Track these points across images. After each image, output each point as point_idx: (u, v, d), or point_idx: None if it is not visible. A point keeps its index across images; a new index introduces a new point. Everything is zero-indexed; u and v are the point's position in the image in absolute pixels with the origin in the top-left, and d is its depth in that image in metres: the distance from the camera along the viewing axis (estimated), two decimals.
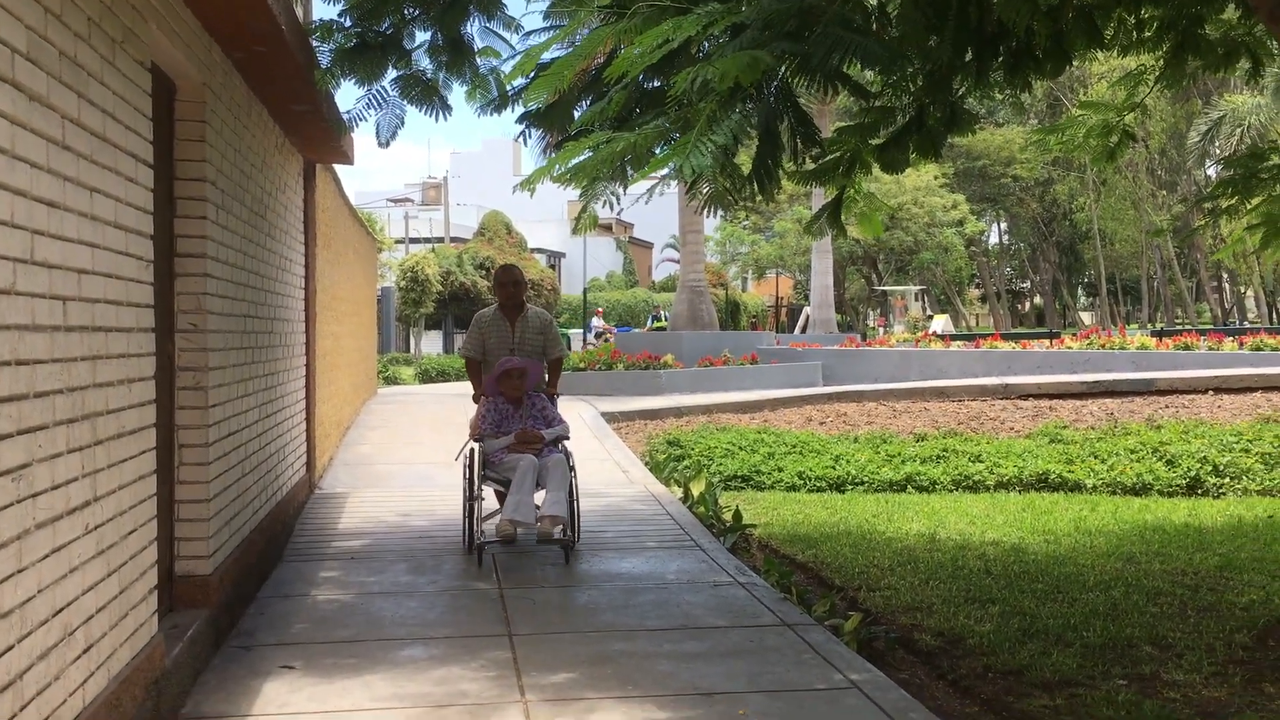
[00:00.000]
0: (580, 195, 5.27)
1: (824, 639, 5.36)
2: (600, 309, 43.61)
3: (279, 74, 6.07)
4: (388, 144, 6.14)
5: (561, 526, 6.87)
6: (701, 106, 3.56)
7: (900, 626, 6.06)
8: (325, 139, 8.17)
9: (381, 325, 28.48)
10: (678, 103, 3.76)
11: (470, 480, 7.24)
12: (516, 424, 7.38)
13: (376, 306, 20.91)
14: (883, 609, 6.40)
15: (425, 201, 64.50)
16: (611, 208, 4.44)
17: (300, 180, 8.80)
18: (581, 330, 38.06)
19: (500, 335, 7.75)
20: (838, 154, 6.85)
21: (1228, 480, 10.67)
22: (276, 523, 7.20)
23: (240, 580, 5.83)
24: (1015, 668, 5.37)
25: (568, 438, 7.53)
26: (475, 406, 7.79)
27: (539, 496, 7.07)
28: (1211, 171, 41.10)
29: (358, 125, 6.29)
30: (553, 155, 4.08)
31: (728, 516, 8.65)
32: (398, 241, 43.46)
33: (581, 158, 3.85)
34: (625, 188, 5.59)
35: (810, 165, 7.12)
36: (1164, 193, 45.87)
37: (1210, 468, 10.82)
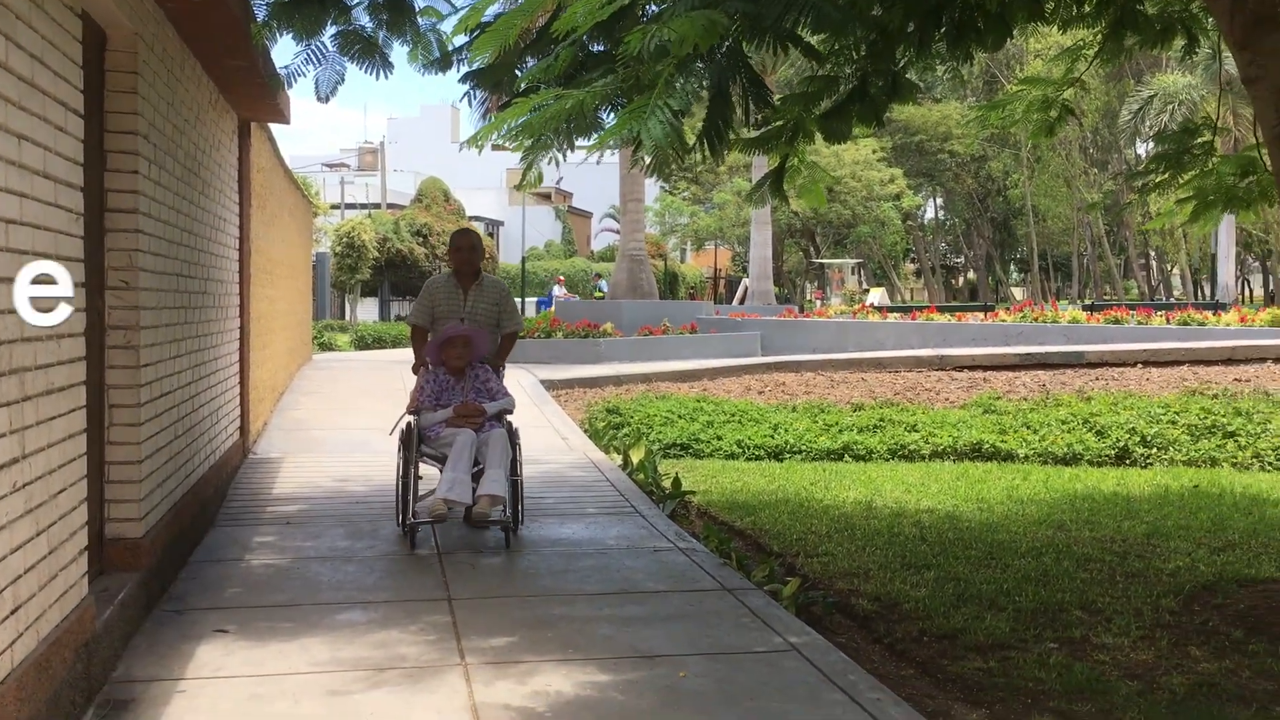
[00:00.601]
0: (523, 158, 5.21)
1: (763, 603, 5.39)
2: (562, 277, 43.33)
3: (214, 26, 5.91)
4: (327, 99, 6.01)
5: (501, 507, 6.48)
6: (659, 69, 3.51)
7: (838, 592, 6.11)
8: (261, 96, 7.98)
9: (317, 291, 28.06)
10: (626, 62, 3.71)
11: (405, 456, 6.80)
12: (457, 396, 6.89)
13: (312, 272, 20.61)
14: (820, 575, 6.46)
15: (361, 167, 63.61)
16: (557, 165, 4.38)
17: (234, 139, 8.60)
18: (539, 300, 37.85)
19: (451, 303, 7.23)
20: (781, 122, 6.85)
21: (1155, 451, 10.91)
22: (209, 487, 7.07)
23: (172, 544, 5.72)
24: (950, 631, 5.45)
25: (511, 412, 7.07)
26: (415, 378, 7.31)
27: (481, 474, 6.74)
28: (1142, 150, 41.85)
29: (295, 81, 6.14)
30: (496, 115, 4.01)
31: (667, 484, 8.67)
32: (333, 207, 42.84)
33: (528, 116, 3.79)
34: (571, 149, 5.54)
35: (754, 133, 7.13)
36: (1095, 170, 46.63)
37: (1138, 438, 11.05)
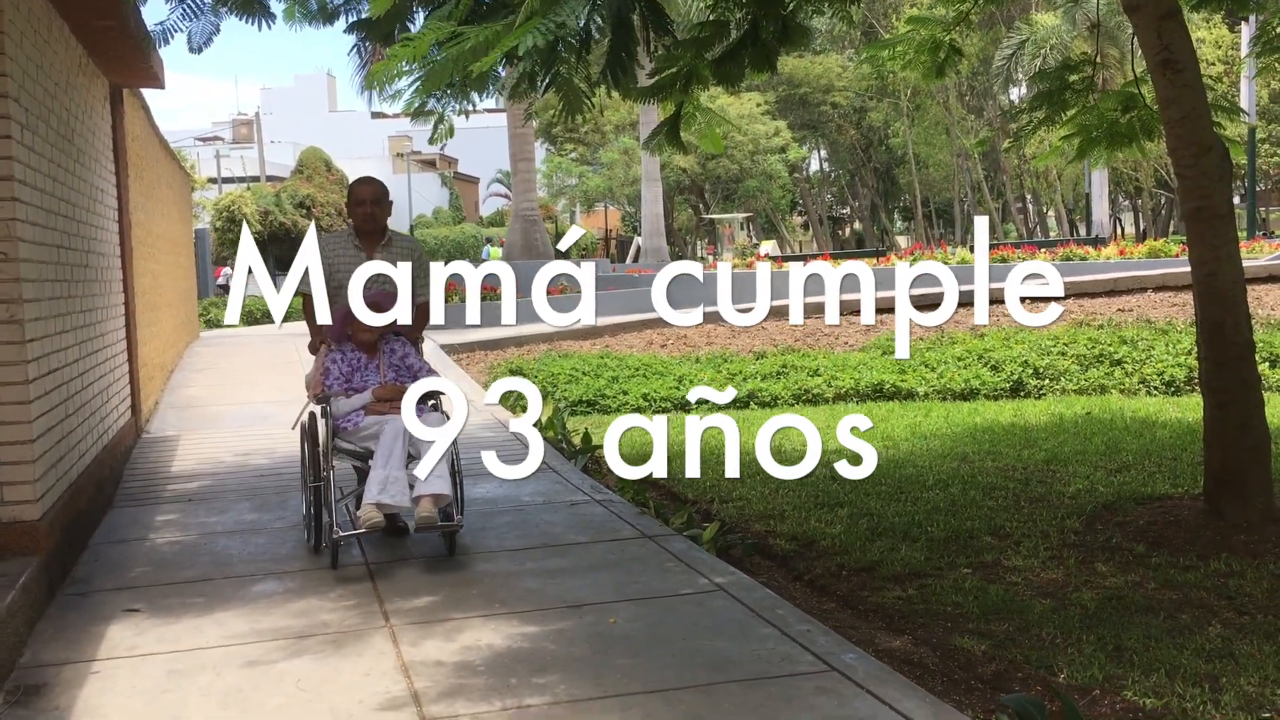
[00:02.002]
0: (414, 111, 5.08)
1: (685, 548, 5.41)
2: (502, 240, 42.47)
3: None
4: (200, 50, 5.75)
5: (447, 505, 5.32)
6: None
7: (755, 534, 6.17)
8: (133, 59, 7.64)
9: (199, 268, 27.25)
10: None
11: (313, 455, 5.57)
12: (373, 378, 5.67)
13: (194, 247, 19.97)
14: (737, 518, 6.50)
15: (236, 140, 61.84)
16: (470, 109, 4.28)
17: (106, 105, 8.24)
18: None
19: (353, 267, 6.06)
20: (675, 69, 6.80)
21: (1047, 382, 11.23)
22: (104, 467, 6.81)
23: (70, 527, 5.49)
24: (867, 565, 5.54)
25: (443, 391, 5.61)
26: (311, 358, 6.03)
27: (413, 468, 5.53)
28: (1015, 95, 42.80)
29: (171, 39, 5.86)
30: (395, 49, 3.86)
31: (577, 440, 8.63)
32: (210, 181, 41.56)
33: (432, 55, 3.66)
34: (469, 103, 5.42)
35: (649, 81, 7.08)
36: (973, 117, 47.55)
37: (1031, 371, 11.37)
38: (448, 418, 5.32)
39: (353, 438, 5.53)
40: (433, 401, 5.67)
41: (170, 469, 7.85)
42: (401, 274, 5.44)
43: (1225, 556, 5.31)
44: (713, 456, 8.29)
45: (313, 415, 5.71)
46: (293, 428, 6.02)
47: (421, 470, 5.02)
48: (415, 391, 5.14)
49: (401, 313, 5.11)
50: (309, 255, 5.43)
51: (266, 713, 3.60)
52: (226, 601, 4.78)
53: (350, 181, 6.25)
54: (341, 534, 5.24)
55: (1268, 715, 3.63)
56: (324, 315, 5.28)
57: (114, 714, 3.62)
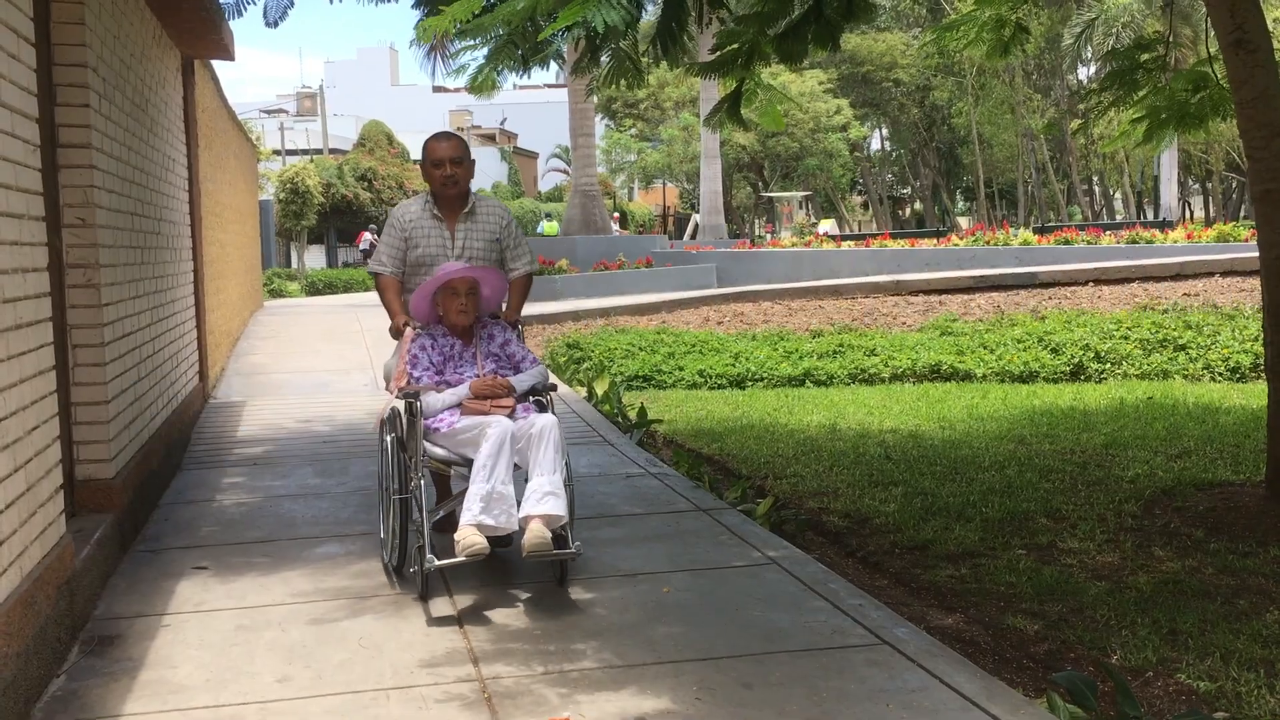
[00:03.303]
0: (472, 76, 5.14)
1: (739, 521, 5.46)
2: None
3: None
4: (276, 24, 5.87)
5: (561, 526, 4.39)
6: None
7: (808, 510, 6.20)
8: (204, 31, 7.79)
9: (263, 239, 27.74)
10: None
11: (395, 462, 4.71)
12: (468, 368, 4.80)
13: (259, 217, 20.29)
14: (790, 494, 6.53)
15: (300, 113, 62.46)
16: (522, 72, 4.36)
17: (179, 76, 8.40)
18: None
19: (433, 241, 5.09)
20: (736, 45, 6.80)
21: (1109, 365, 11.10)
22: (173, 430, 7.00)
23: (142, 486, 5.66)
24: (920, 543, 5.55)
25: (553, 387, 4.93)
26: (391, 343, 5.22)
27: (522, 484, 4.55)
28: (1084, 75, 42.06)
29: (245, 10, 6.00)
30: (447, 9, 3.91)
31: (632, 415, 8.70)
32: (274, 153, 42.07)
33: (484, 14, 3.71)
34: (525, 69, 5.47)
35: (710, 57, 7.08)
36: (1039, 97, 46.81)
37: (1092, 354, 11.23)
38: (552, 416, 4.62)
39: (446, 441, 4.59)
40: (538, 399, 4.84)
41: (236, 434, 8.04)
42: (488, 245, 5.10)
43: None
44: (768, 434, 8.35)
45: (395, 413, 4.80)
46: (374, 430, 5.21)
47: (534, 485, 4.35)
48: (520, 386, 4.75)
49: (496, 286, 4.87)
50: (389, 230, 5.16)
51: (330, 668, 3.71)
52: (291, 561, 4.91)
53: (425, 140, 5.18)
54: (437, 562, 4.28)
55: None
56: (395, 296, 4.98)
57: (184, 664, 3.76)
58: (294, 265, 33.31)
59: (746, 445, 7.88)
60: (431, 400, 4.65)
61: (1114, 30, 30.74)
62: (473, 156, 5.24)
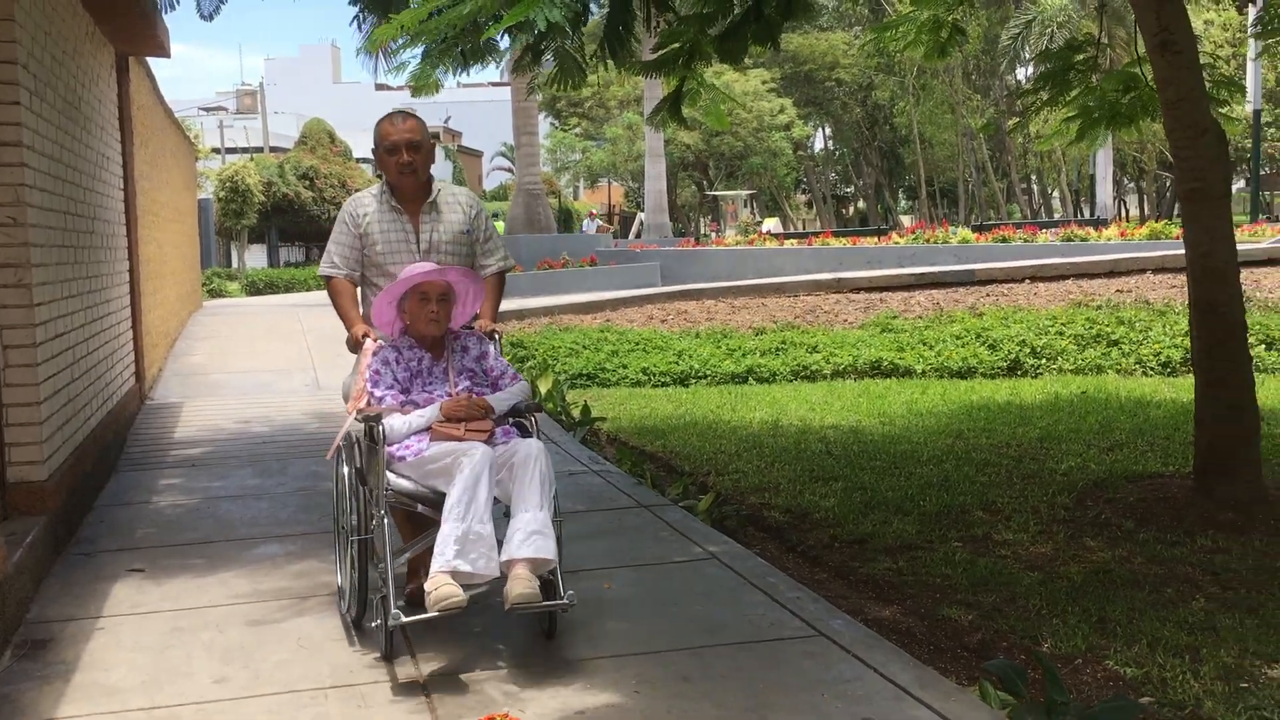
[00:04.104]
0: (413, 75, 5.13)
1: (680, 517, 5.50)
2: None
3: None
4: (210, 17, 5.81)
5: (550, 571, 3.78)
6: None
7: (750, 505, 6.25)
8: (139, 27, 7.69)
9: (202, 238, 27.37)
10: None
11: (353, 497, 4.08)
12: (439, 387, 4.12)
13: (197, 216, 20.02)
14: (732, 490, 6.58)
15: (240, 110, 61.72)
16: (462, 70, 4.33)
17: (113, 74, 8.28)
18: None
19: (395, 237, 4.43)
20: (677, 44, 6.84)
21: (1044, 361, 11.30)
22: (108, 431, 6.90)
23: (76, 489, 5.58)
24: (859, 537, 5.62)
25: (537, 406, 4.32)
26: (340, 347, 4.62)
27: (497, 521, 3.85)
28: (1023, 75, 42.65)
29: (178, 4, 5.92)
30: (393, 17, 3.92)
31: (576, 412, 8.71)
32: (214, 151, 41.51)
33: (427, 19, 3.73)
34: (465, 68, 5.46)
35: (652, 56, 7.11)
36: (979, 97, 47.43)
37: (1029, 350, 11.43)
38: (542, 443, 4.00)
39: (413, 472, 3.91)
40: (519, 420, 4.17)
41: (173, 435, 7.95)
42: (456, 240, 4.40)
43: (1212, 533, 5.39)
44: (711, 431, 8.40)
45: (353, 439, 4.13)
46: (328, 456, 4.34)
47: (519, 524, 3.72)
48: (499, 406, 4.05)
49: (471, 289, 4.16)
50: (340, 226, 4.46)
51: (268, 667, 3.69)
52: (229, 563, 4.88)
53: (378, 121, 4.46)
54: (404, 618, 3.64)
55: (1245, 685, 3.72)
56: (351, 302, 4.34)
57: (118, 667, 3.72)
58: (234, 265, 32.89)
59: (689, 442, 7.92)
60: (396, 424, 3.93)
61: (1049, 31, 31.24)
62: (432, 139, 4.52)
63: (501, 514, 3.85)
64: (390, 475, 3.89)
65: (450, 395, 4.08)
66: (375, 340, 4.20)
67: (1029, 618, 4.41)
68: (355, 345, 4.30)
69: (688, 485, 6.49)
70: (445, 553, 3.63)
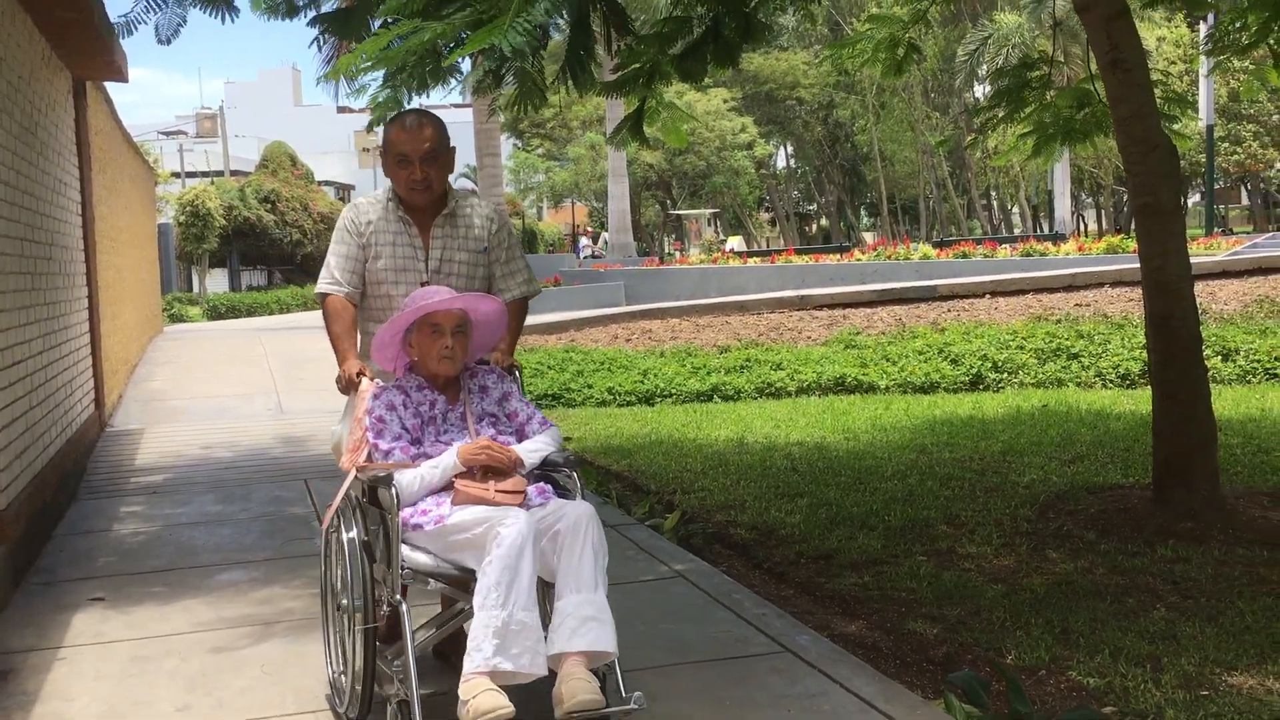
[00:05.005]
0: (372, 101, 5.13)
1: (646, 536, 5.50)
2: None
3: None
4: (168, 41, 5.75)
5: (607, 665, 3.18)
6: None
7: (716, 523, 6.26)
8: (96, 52, 7.64)
9: (162, 263, 27.15)
10: None
11: (361, 576, 3.29)
12: (456, 436, 3.43)
13: (157, 241, 19.87)
14: (698, 508, 6.60)
15: (200, 134, 61.28)
16: (423, 94, 4.31)
17: (70, 98, 8.23)
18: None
19: (402, 251, 3.79)
20: (638, 65, 6.89)
21: (1006, 375, 11.41)
22: (68, 460, 6.82)
23: (35, 518, 5.52)
24: (825, 552, 5.64)
25: (577, 460, 3.58)
26: (351, 398, 3.59)
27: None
28: (980, 92, 43.18)
29: (136, 29, 5.88)
30: (357, 46, 3.94)
31: None
32: (174, 175, 41.22)
33: (388, 47, 3.74)
34: (427, 91, 5.47)
35: (613, 76, 7.16)
36: (937, 115, 47.95)
37: (990, 364, 11.54)
38: (587, 504, 3.31)
39: (433, 544, 3.22)
40: (549, 473, 3.49)
41: (134, 462, 7.87)
42: (473, 258, 3.77)
43: (1172, 543, 5.45)
44: (676, 449, 8.42)
45: (354, 503, 3.41)
46: (324, 526, 3.61)
47: (569, 607, 3.08)
48: (529, 458, 3.37)
49: (492, 316, 3.50)
50: (341, 236, 3.79)
51: (231, 695, 3.66)
52: (192, 590, 4.83)
53: (388, 124, 3.82)
54: None
55: (1205, 693, 3.76)
56: (347, 329, 3.63)
57: (80, 697, 3.68)
58: (196, 289, 32.63)
59: (655, 461, 7.93)
60: (406, 480, 3.23)
61: (1004, 50, 31.66)
62: (452, 142, 3.82)
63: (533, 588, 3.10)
64: (404, 548, 3.18)
65: (481, 446, 3.32)
66: (373, 379, 3.50)
67: (993, 630, 4.44)
68: (349, 385, 3.52)
69: (653, 504, 6.50)
70: (483, 648, 2.96)
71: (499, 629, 2.97)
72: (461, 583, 3.18)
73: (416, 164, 3.66)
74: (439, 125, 3.73)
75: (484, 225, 3.86)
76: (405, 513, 3.21)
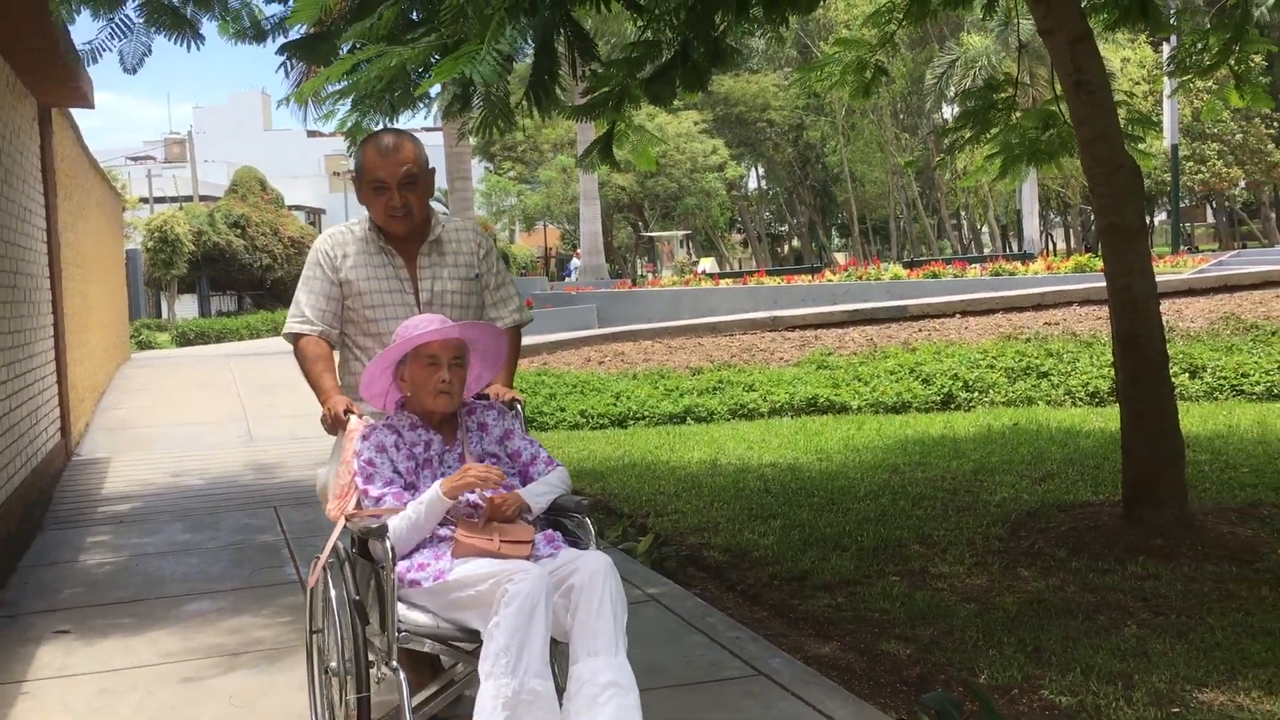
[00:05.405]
0: (341, 125, 5.10)
1: (620, 560, 5.47)
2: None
3: (10, 6, 5.60)
4: (134, 70, 5.71)
5: None
6: (489, 13, 3.51)
7: (690, 546, 6.25)
8: (62, 79, 7.60)
9: (130, 289, 26.94)
10: (452, 18, 3.69)
11: (354, 638, 2.99)
12: (451, 470, 3.15)
13: (125, 267, 19.73)
14: (672, 531, 6.58)
15: (169, 159, 61.01)
16: (391, 118, 4.26)
17: (35, 125, 8.17)
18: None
19: (385, 285, 3.51)
20: (607, 89, 6.91)
21: (976, 394, 11.47)
22: (33, 490, 6.74)
23: None
24: (799, 574, 5.64)
25: (588, 504, 3.30)
26: (339, 437, 3.30)
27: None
28: (948, 113, 43.60)
29: (100, 57, 5.84)
30: (321, 71, 3.93)
31: None
32: (142, 200, 40.99)
33: (352, 72, 3.73)
34: (394, 117, 5.46)
35: (582, 100, 7.18)
36: (906, 136, 48.35)
37: (961, 384, 11.60)
38: (603, 555, 3.00)
39: (433, 602, 2.93)
40: (559, 518, 3.24)
41: (101, 491, 7.78)
42: (465, 288, 3.50)
43: (1142, 560, 5.48)
44: (649, 471, 8.40)
45: (343, 556, 3.15)
46: (311, 583, 3.23)
47: (585, 673, 2.81)
48: (536, 503, 3.09)
49: (492, 346, 3.27)
50: (312, 270, 3.48)
51: None
52: (159, 621, 4.77)
53: (361, 145, 3.53)
54: None
55: (1176, 710, 3.77)
56: (326, 368, 3.33)
57: None
58: (164, 315, 32.39)
59: (628, 484, 7.92)
60: (400, 524, 2.95)
61: (972, 71, 31.98)
62: (431, 163, 3.56)
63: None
64: (400, 606, 2.88)
65: (491, 497, 3.01)
66: (361, 417, 3.20)
67: (966, 649, 4.44)
68: (334, 425, 3.24)
69: (626, 527, 6.48)
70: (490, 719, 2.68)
71: (509, 699, 2.69)
72: (461, 643, 2.90)
73: (394, 190, 3.38)
74: (418, 146, 3.45)
75: (471, 250, 3.60)
76: (401, 566, 2.91)
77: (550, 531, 3.10)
